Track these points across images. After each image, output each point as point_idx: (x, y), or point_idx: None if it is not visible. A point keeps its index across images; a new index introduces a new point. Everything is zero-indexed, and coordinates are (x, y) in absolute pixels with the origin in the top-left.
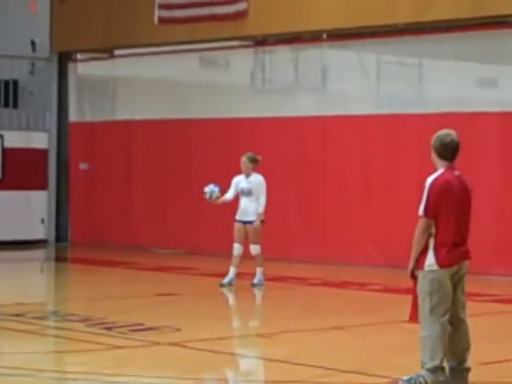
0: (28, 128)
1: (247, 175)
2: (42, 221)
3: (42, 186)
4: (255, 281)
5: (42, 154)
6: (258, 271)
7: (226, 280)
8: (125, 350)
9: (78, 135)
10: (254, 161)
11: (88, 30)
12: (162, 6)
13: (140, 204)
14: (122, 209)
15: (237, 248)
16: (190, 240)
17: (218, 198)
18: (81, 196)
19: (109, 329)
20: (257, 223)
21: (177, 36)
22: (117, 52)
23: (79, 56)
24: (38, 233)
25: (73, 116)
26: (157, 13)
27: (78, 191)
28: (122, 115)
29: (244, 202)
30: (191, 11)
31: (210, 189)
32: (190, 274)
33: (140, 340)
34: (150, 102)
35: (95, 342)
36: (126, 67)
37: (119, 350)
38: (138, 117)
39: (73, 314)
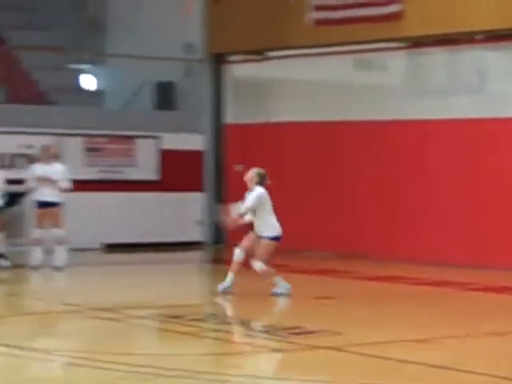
0: (184, 130)
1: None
2: (199, 223)
3: (198, 187)
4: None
5: (198, 155)
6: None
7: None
8: (284, 353)
9: (233, 137)
10: (260, 177)
11: (242, 31)
12: (318, 8)
13: (295, 207)
14: (276, 211)
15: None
16: (349, 243)
17: None
18: (237, 198)
19: (268, 332)
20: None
21: (330, 37)
22: (271, 54)
23: (233, 58)
24: (195, 235)
25: (228, 118)
26: (312, 14)
27: (235, 193)
28: (276, 117)
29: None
30: (346, 13)
31: None
32: (350, 277)
33: (299, 343)
34: (303, 104)
35: (254, 344)
36: (280, 69)
37: (278, 353)
38: (291, 119)
39: (232, 317)
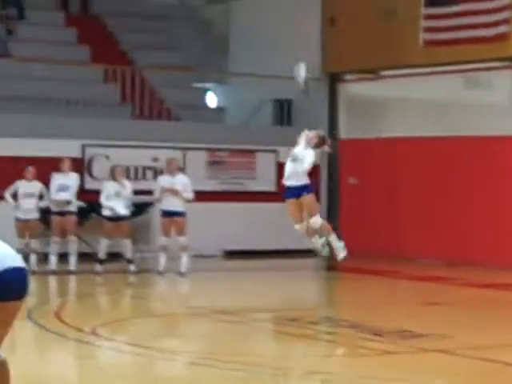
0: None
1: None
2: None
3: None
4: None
5: (313, 169)
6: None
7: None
8: (395, 355)
9: (347, 151)
10: (319, 139)
11: (356, 52)
12: (427, 30)
13: (405, 218)
14: (388, 221)
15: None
16: (460, 251)
17: None
18: (350, 209)
19: (379, 335)
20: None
21: (441, 57)
22: (383, 73)
23: (348, 77)
24: (309, 243)
25: (342, 133)
26: (422, 35)
27: (347, 204)
28: (387, 133)
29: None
30: (455, 34)
31: None
32: (459, 284)
33: (410, 346)
34: (414, 121)
35: (366, 347)
36: (391, 88)
37: (390, 356)
38: (402, 135)
39: (344, 320)
